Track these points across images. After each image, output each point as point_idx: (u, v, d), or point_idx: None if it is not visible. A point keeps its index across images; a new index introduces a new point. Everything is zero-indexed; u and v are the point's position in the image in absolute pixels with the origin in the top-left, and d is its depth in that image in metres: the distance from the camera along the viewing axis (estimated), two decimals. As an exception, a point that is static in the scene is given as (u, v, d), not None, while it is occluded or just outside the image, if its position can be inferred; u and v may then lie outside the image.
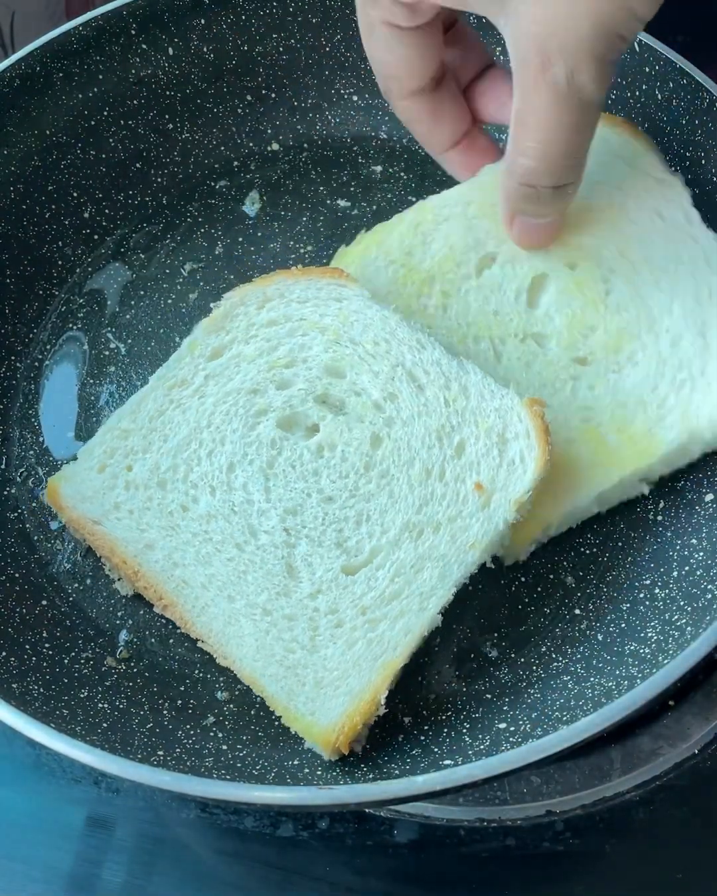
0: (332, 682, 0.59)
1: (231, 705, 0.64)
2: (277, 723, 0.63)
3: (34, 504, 0.72)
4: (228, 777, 0.56)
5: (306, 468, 0.65)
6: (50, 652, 0.64)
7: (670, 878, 0.66)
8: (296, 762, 0.60)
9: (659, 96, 0.77)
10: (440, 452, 0.64)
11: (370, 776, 0.57)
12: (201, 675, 0.65)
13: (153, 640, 0.66)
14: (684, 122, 0.76)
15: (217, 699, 0.64)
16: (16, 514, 0.72)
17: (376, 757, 0.60)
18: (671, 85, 0.76)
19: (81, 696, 0.62)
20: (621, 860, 0.67)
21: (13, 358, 0.78)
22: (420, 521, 0.63)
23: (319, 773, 0.58)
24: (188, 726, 0.62)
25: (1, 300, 0.79)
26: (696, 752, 0.69)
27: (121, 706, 0.62)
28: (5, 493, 0.73)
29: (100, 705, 0.62)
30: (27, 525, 0.71)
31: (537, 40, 0.52)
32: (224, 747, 0.61)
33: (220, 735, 0.62)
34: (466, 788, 0.52)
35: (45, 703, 0.59)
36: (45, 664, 0.63)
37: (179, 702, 0.64)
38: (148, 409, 0.68)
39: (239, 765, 0.59)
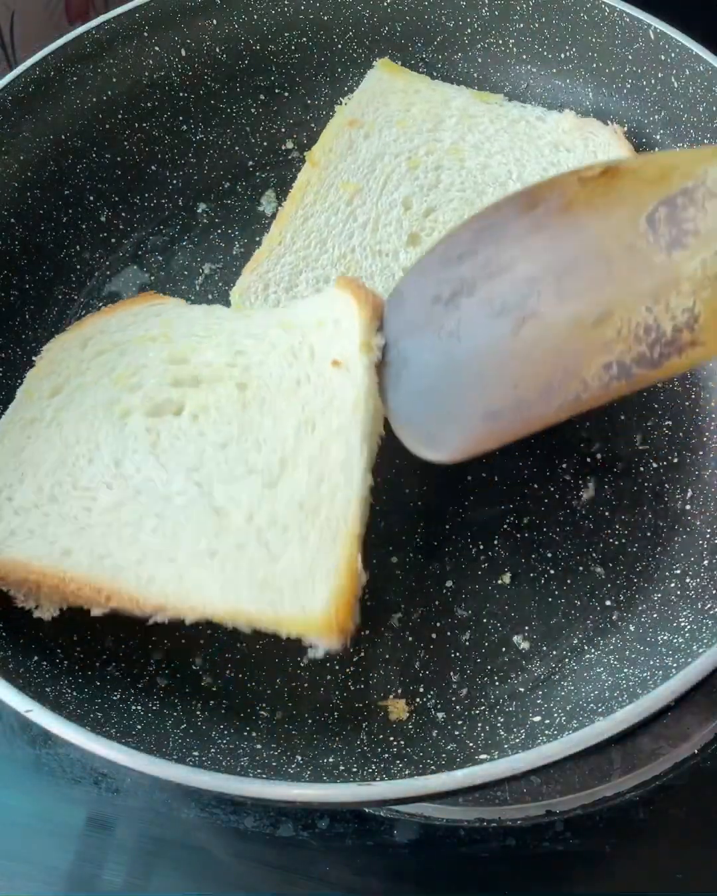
0: (306, 576, 0.60)
1: (264, 704, 0.64)
2: (310, 720, 0.63)
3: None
4: (264, 776, 0.56)
5: (190, 434, 0.67)
6: (82, 655, 0.64)
7: (670, 878, 0.66)
8: (331, 759, 0.60)
9: (675, 84, 0.77)
10: (299, 364, 0.68)
11: (407, 772, 0.57)
12: (233, 675, 0.65)
13: (183, 641, 0.66)
14: (701, 108, 0.76)
15: (249, 699, 0.64)
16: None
17: (411, 753, 0.60)
18: (688, 72, 0.75)
19: (115, 698, 0.62)
20: (621, 860, 0.67)
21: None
22: (307, 417, 0.66)
23: (354, 770, 0.58)
24: (222, 726, 0.62)
25: (21, 305, 0.79)
26: (696, 752, 0.69)
27: (154, 708, 0.62)
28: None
29: (133, 707, 0.62)
30: (54, 529, 0.71)
31: None
32: (258, 746, 0.61)
33: (253, 734, 0.62)
34: (505, 783, 0.52)
35: (79, 706, 0.59)
36: (77, 668, 0.63)
37: (212, 702, 0.64)
38: (8, 448, 0.68)
39: (274, 764, 0.59)
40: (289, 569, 0.60)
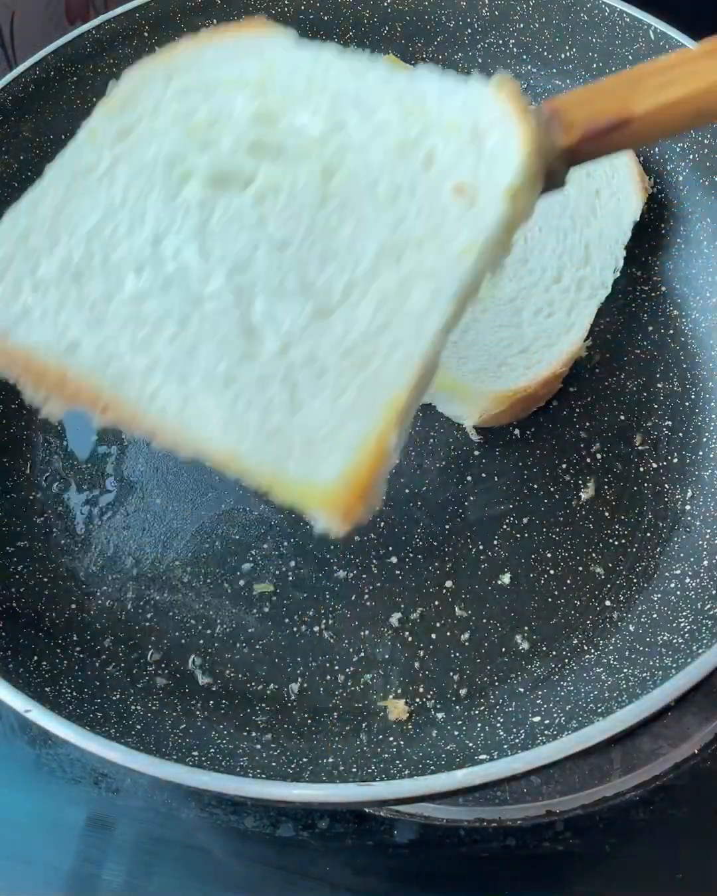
0: (325, 437, 0.50)
1: (264, 705, 0.64)
2: (309, 721, 0.63)
3: (60, 508, 0.72)
4: (263, 776, 0.56)
5: (247, 219, 0.55)
6: (81, 655, 0.64)
7: (670, 878, 0.65)
8: (330, 760, 0.59)
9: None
10: (407, 168, 0.55)
11: (407, 772, 0.57)
12: (233, 675, 0.65)
13: (182, 640, 0.66)
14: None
15: (249, 699, 0.64)
16: (42, 519, 0.72)
17: (411, 753, 0.60)
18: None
19: (114, 698, 0.62)
20: (621, 860, 0.66)
21: (34, 363, 0.78)
22: (397, 242, 0.53)
23: (353, 770, 0.58)
24: (221, 726, 0.62)
25: (21, 305, 0.79)
26: (696, 752, 0.69)
27: (153, 707, 0.62)
28: (31, 497, 0.73)
29: (133, 707, 0.62)
30: (54, 530, 0.71)
31: None
32: (258, 747, 0.61)
33: (253, 734, 0.62)
34: (505, 783, 0.52)
35: (78, 705, 0.59)
36: (76, 667, 0.63)
37: (211, 702, 0.64)
38: (49, 204, 0.58)
39: (274, 764, 0.59)
40: (308, 423, 0.50)
